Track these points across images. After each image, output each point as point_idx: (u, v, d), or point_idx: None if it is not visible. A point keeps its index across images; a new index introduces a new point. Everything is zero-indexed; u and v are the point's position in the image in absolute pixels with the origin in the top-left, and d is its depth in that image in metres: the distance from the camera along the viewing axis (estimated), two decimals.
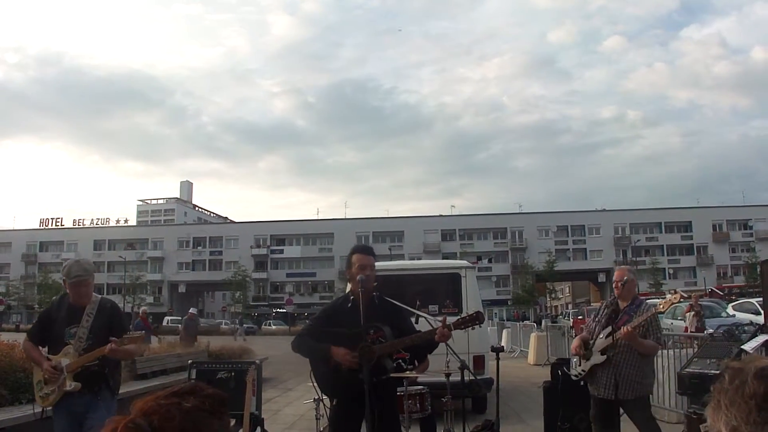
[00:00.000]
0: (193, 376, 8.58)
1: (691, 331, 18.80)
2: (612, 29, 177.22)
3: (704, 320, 21.39)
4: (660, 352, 10.19)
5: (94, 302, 5.77)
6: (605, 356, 6.57)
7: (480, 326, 5.81)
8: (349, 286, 5.86)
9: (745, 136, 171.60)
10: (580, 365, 6.93)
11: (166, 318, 78.04)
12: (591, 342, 6.85)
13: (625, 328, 6.34)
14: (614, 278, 6.92)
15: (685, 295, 6.93)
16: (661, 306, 7.02)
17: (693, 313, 21.70)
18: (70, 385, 5.44)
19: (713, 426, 1.52)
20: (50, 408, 5.63)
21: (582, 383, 7.11)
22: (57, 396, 5.51)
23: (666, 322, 23.86)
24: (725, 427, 1.49)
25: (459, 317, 5.47)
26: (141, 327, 23.80)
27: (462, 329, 5.39)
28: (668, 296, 7.00)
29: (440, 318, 5.59)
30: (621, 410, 6.83)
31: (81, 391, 5.48)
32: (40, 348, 5.87)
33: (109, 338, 5.49)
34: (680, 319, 24.74)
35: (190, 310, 27.71)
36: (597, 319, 7.01)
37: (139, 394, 1.61)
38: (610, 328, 6.60)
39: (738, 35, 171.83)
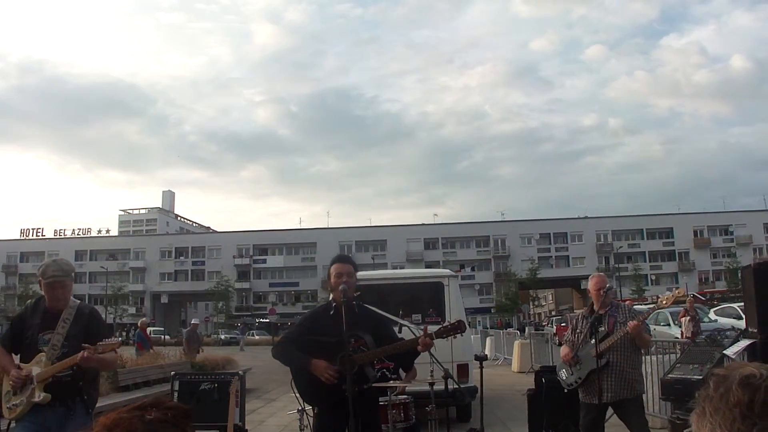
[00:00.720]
0: (176, 387, 8.54)
1: (687, 337, 18.60)
2: (593, 38, 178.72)
3: (700, 325, 21.03)
4: (643, 357, 10.24)
5: (71, 307, 5.35)
6: (605, 359, 6.56)
7: (462, 335, 5.81)
8: (331, 296, 5.86)
9: (724, 143, 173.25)
10: (573, 374, 6.90)
11: (149, 329, 77.62)
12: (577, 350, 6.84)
13: (633, 321, 6.38)
14: (594, 286, 6.90)
15: (675, 294, 6.88)
16: (664, 300, 7.07)
17: (688, 318, 21.34)
18: (39, 395, 5.01)
19: (701, 430, 1.51)
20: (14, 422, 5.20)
21: (566, 390, 7.11)
22: (25, 408, 5.05)
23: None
24: None
25: (441, 326, 5.48)
26: (142, 338, 23.65)
27: (444, 338, 5.40)
28: (668, 293, 7.05)
29: (422, 327, 5.60)
30: (606, 416, 6.84)
31: (52, 404, 5.07)
32: (13, 355, 5.37)
33: (82, 345, 5.03)
34: (664, 325, 24.81)
35: (192, 321, 27.39)
36: (579, 330, 7.00)
37: (121, 406, 1.62)
38: (602, 333, 6.61)
39: (717, 44, 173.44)
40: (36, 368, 5.11)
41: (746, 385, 1.45)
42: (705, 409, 1.49)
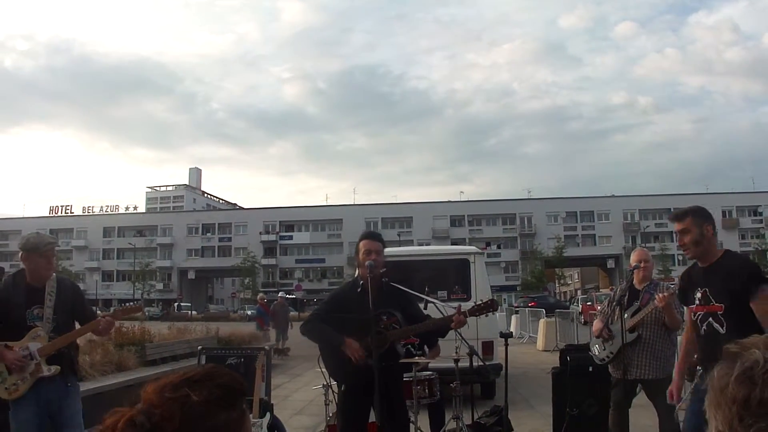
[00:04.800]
0: (203, 362, 8.61)
1: None
2: (623, 14, 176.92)
3: None
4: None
5: (52, 280, 5.33)
6: (636, 333, 6.51)
7: (494, 313, 5.85)
8: (358, 272, 5.87)
9: (756, 122, 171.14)
10: (605, 349, 6.84)
11: (176, 304, 78.36)
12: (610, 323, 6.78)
13: (662, 294, 6.27)
14: (635, 259, 6.82)
15: None
16: None
17: None
18: (49, 369, 5.08)
19: (710, 424, 1.42)
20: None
21: (591, 369, 7.07)
22: (29, 384, 5.05)
23: None
24: None
25: (474, 304, 5.51)
26: (262, 314, 23.80)
27: (477, 316, 5.43)
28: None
29: (452, 305, 5.62)
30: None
31: (52, 377, 5.12)
32: None
33: (103, 314, 5.30)
34: None
35: (279, 295, 26.22)
36: (613, 305, 6.92)
37: (150, 380, 1.55)
38: (635, 307, 6.56)
39: (750, 21, 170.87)
40: (34, 344, 5.11)
41: (743, 381, 1.34)
42: (711, 401, 1.41)
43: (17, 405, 5.07)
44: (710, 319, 4.75)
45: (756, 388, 1.32)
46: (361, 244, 5.51)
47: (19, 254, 5.31)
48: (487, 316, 5.69)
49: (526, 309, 33.22)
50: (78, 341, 5.69)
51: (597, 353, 6.97)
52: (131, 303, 6.04)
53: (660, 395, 6.55)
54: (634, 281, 6.79)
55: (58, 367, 5.13)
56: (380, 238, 5.69)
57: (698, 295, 4.83)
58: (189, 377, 1.51)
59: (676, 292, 6.17)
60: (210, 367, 1.58)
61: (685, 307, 5.48)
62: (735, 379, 1.35)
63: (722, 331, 4.65)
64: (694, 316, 4.90)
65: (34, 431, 5.07)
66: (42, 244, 5.22)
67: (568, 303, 57.67)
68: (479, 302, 5.51)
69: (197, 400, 1.45)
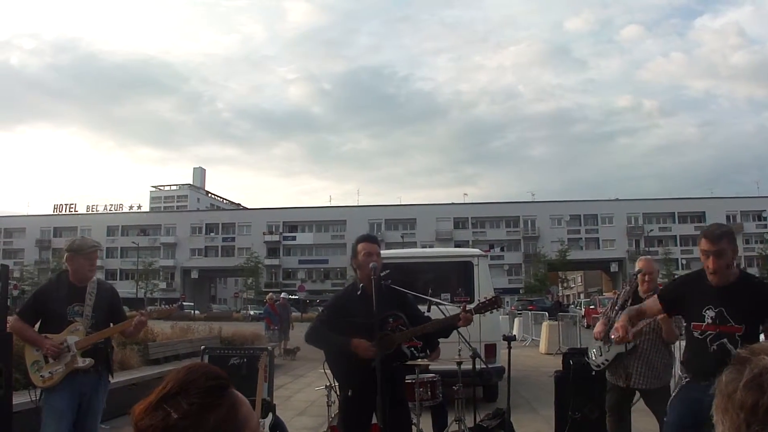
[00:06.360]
0: (206, 362, 8.61)
1: None
2: (629, 18, 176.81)
3: None
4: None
5: (93, 281, 5.79)
6: (633, 342, 6.49)
7: (499, 310, 5.85)
8: (356, 275, 5.86)
9: (761, 126, 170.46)
10: (602, 355, 6.84)
11: (177, 304, 78.29)
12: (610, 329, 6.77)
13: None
14: (642, 269, 6.78)
15: None
16: None
17: None
18: (84, 361, 5.42)
19: (717, 428, 1.41)
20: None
21: (594, 373, 7.06)
22: (64, 374, 5.38)
23: None
24: None
25: (479, 301, 5.49)
26: (269, 314, 23.86)
27: (482, 313, 5.42)
28: None
29: (460, 305, 5.61)
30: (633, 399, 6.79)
31: (86, 370, 5.46)
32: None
33: (139, 311, 5.84)
34: None
35: (281, 296, 25.98)
36: (617, 309, 6.91)
37: (154, 379, 1.52)
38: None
39: (756, 25, 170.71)
40: (72, 337, 5.46)
41: (752, 387, 1.33)
42: (718, 405, 1.40)
43: (52, 393, 5.39)
44: (724, 339, 4.62)
45: (764, 395, 1.31)
46: (360, 246, 5.48)
47: (64, 255, 5.79)
48: (492, 312, 5.68)
49: (529, 312, 33.19)
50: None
51: (593, 359, 6.97)
52: (168, 305, 6.42)
53: (658, 404, 6.55)
54: (639, 288, 6.78)
55: (92, 360, 5.47)
56: (377, 241, 5.71)
57: (710, 313, 4.69)
58: (165, 393, 1.44)
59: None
60: (184, 373, 1.50)
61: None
62: (743, 385, 1.34)
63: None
64: (703, 334, 4.75)
65: (68, 417, 5.38)
66: (86, 247, 5.75)
67: (551, 306, 57.34)
68: (483, 299, 5.50)
69: (177, 417, 1.40)
